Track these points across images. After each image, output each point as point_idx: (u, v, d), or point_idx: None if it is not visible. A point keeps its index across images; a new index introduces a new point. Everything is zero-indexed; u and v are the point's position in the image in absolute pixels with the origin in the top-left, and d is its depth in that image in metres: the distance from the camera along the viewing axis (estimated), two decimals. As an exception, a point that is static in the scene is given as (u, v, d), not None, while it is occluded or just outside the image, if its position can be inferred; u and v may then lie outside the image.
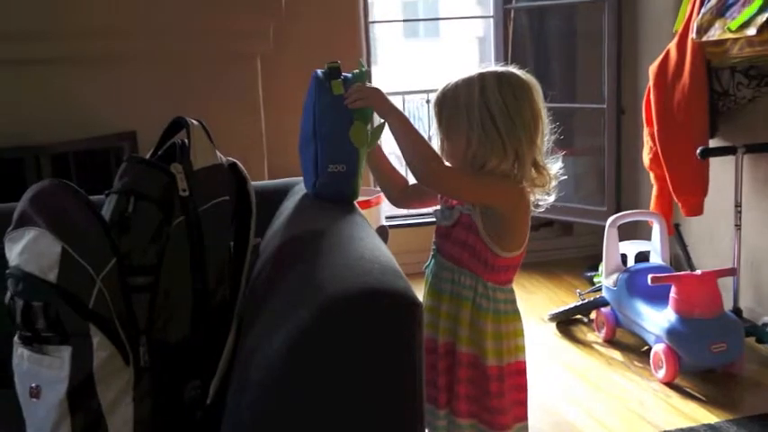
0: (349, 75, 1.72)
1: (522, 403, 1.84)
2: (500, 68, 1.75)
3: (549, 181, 1.77)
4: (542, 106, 1.75)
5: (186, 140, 1.53)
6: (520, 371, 1.82)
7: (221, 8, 3.39)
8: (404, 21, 14.20)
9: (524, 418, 1.84)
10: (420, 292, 1.76)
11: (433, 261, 1.87)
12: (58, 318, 1.35)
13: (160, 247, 1.44)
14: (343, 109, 1.69)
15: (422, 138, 1.73)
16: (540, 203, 1.80)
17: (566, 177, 1.82)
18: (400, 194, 1.95)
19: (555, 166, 1.79)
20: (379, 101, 1.71)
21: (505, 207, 1.73)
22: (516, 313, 1.82)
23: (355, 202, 1.76)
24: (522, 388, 1.83)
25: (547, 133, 1.76)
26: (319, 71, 1.73)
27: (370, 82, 1.78)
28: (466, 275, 1.77)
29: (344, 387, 1.07)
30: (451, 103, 1.74)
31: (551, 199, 1.80)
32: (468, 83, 1.72)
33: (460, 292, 1.78)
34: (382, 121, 1.75)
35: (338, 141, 1.69)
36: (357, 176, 1.73)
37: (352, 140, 1.69)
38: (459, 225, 1.79)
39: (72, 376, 1.34)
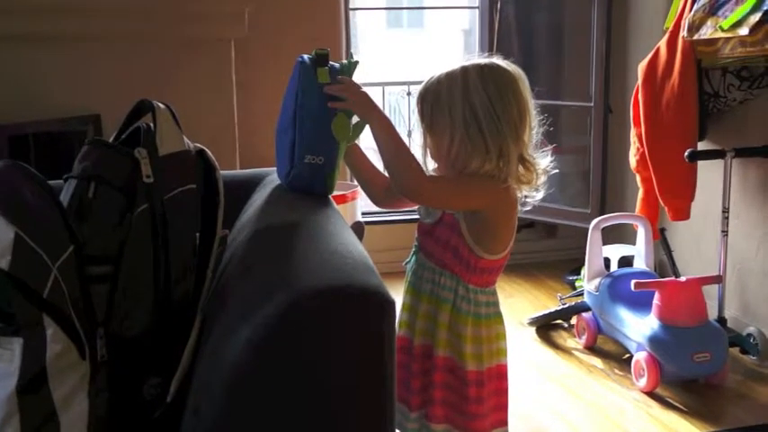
0: (337, 64, 1.66)
1: (503, 408, 1.79)
2: (483, 61, 1.68)
3: (537, 177, 1.71)
4: (529, 98, 1.68)
5: (152, 124, 1.46)
6: (501, 375, 1.77)
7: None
8: (386, 9, 14.04)
9: (504, 423, 1.80)
10: (397, 292, 1.70)
11: (413, 258, 1.81)
12: (9, 307, 1.28)
13: (121, 236, 1.40)
14: (327, 99, 1.62)
15: (405, 147, 1.66)
16: (528, 200, 1.75)
17: (557, 171, 1.76)
18: (383, 194, 1.88)
19: (544, 161, 1.73)
20: (362, 103, 1.64)
21: (490, 210, 1.68)
22: (498, 316, 1.77)
23: (330, 197, 1.69)
24: (502, 392, 1.78)
25: (535, 126, 1.70)
26: (306, 56, 1.65)
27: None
28: (446, 277, 1.72)
29: (311, 385, 1.04)
30: (434, 98, 1.68)
31: (540, 195, 1.74)
32: (450, 77, 1.66)
33: (440, 293, 1.73)
34: None
35: (318, 132, 1.63)
36: (334, 171, 1.66)
37: (333, 133, 1.63)
38: (442, 224, 1.74)
39: (23, 370, 1.28)
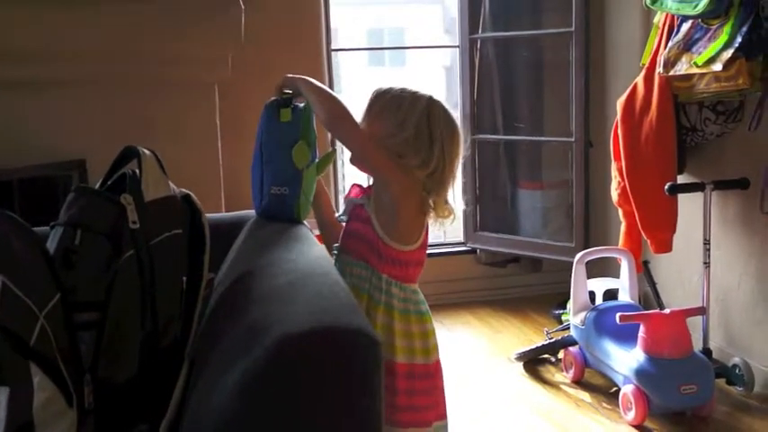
0: (301, 105, 1.84)
1: (419, 409, 1.80)
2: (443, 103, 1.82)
3: (447, 216, 1.83)
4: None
5: (137, 170, 1.48)
6: (428, 374, 1.81)
7: (177, 33, 3.32)
8: (368, 49, 14.19)
9: (426, 424, 1.81)
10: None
11: (336, 263, 1.86)
12: (-5, 357, 1.27)
13: (108, 283, 1.40)
14: (287, 135, 1.81)
15: (339, 103, 1.79)
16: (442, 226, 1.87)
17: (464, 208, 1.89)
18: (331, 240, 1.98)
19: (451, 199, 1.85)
20: (291, 79, 1.84)
21: (397, 190, 1.76)
22: (419, 314, 1.82)
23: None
24: (419, 393, 1.80)
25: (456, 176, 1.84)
26: (273, 98, 1.85)
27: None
28: (362, 267, 1.80)
29: (299, 428, 1.03)
30: (392, 100, 1.79)
31: (448, 224, 1.87)
32: (416, 97, 1.79)
33: (357, 283, 1.79)
34: (331, 150, 1.86)
35: (282, 165, 1.82)
36: (298, 198, 1.82)
37: (294, 160, 1.80)
38: (355, 218, 1.84)
39: (9, 420, 1.26)
